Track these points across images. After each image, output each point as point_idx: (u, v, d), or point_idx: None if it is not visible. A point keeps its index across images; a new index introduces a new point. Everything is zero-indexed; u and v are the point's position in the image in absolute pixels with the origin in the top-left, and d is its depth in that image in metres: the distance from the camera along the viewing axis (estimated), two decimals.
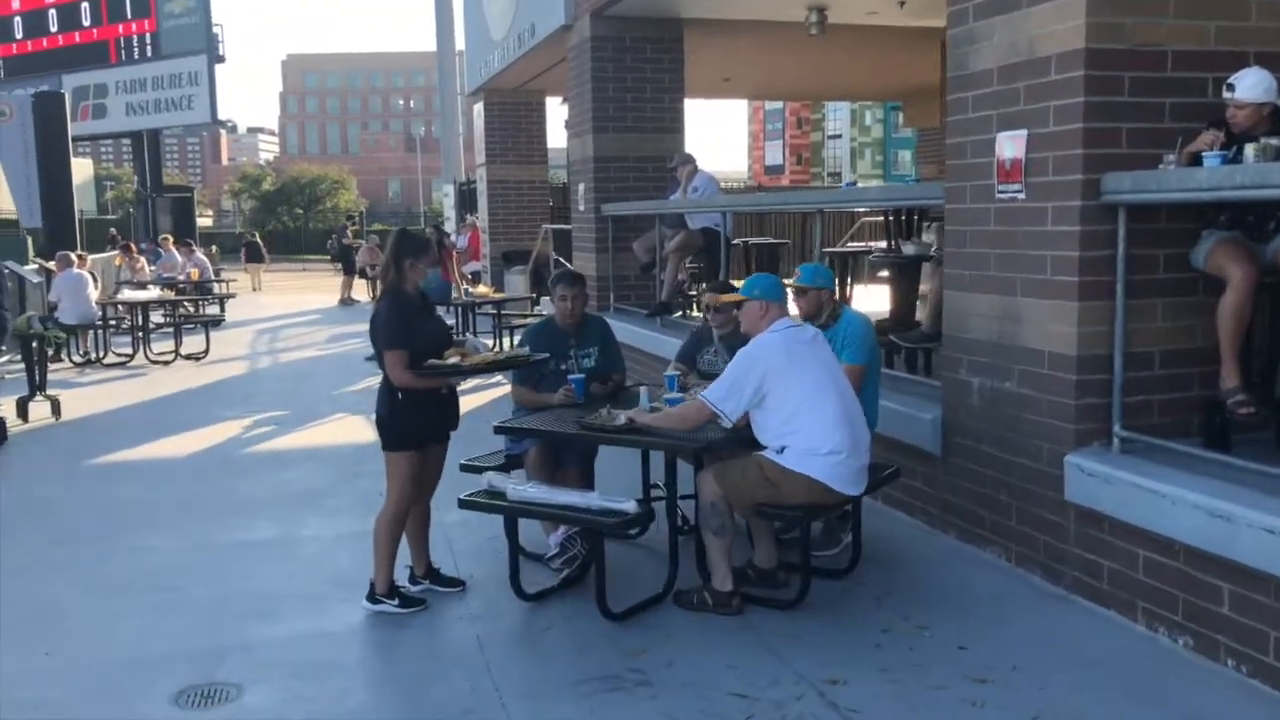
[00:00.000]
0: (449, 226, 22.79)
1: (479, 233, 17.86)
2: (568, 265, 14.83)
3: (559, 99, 18.19)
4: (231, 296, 17.89)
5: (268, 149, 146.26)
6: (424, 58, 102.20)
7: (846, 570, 4.69)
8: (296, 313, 19.01)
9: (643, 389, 4.91)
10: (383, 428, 4.44)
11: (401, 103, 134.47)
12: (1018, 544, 4.77)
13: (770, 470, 4.14)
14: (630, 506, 4.06)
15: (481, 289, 12.25)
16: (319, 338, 15.06)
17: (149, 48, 29.35)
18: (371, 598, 4.48)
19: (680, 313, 10.11)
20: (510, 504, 4.29)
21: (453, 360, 4.37)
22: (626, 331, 9.89)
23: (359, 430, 8.29)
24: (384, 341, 4.36)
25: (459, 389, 4.71)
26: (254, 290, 24.19)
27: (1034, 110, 4.50)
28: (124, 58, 29.67)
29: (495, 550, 5.04)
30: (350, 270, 21.18)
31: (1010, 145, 4.65)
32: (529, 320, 12.00)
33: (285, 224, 64.33)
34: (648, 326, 9.51)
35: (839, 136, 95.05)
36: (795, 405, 4.11)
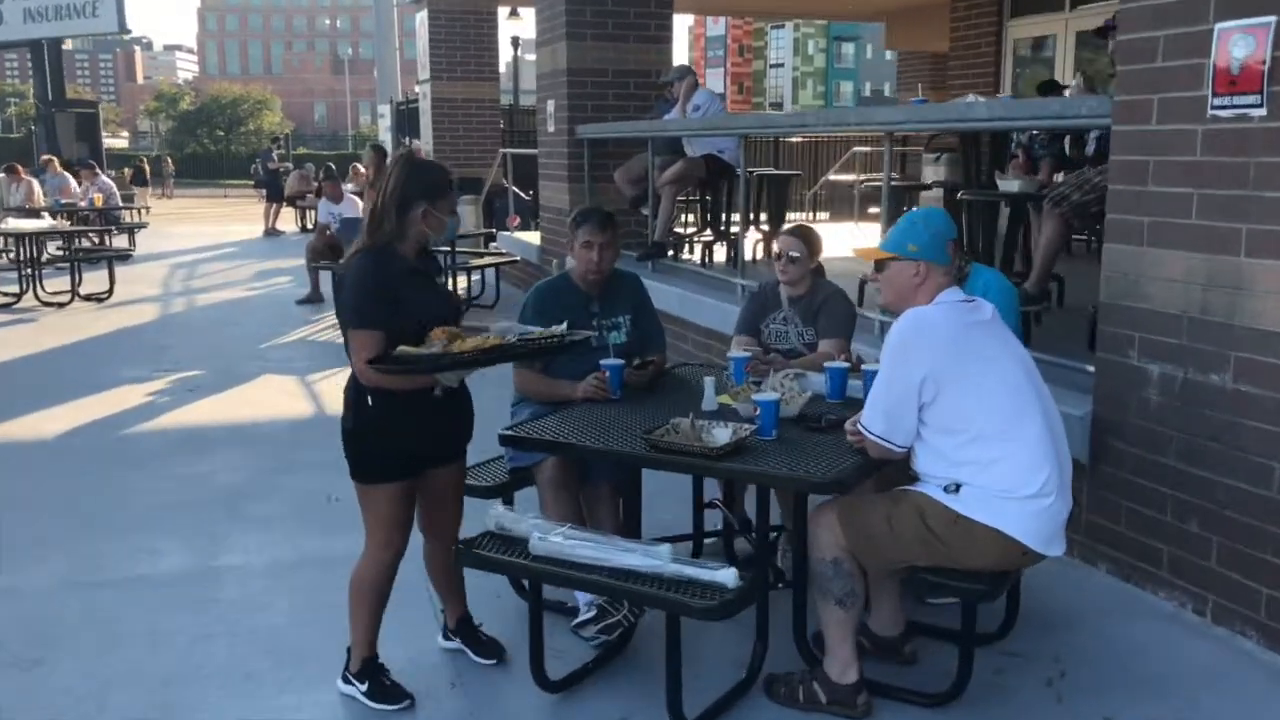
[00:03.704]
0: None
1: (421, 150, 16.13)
2: (522, 195, 13.26)
3: (508, 10, 16.46)
4: (143, 226, 15.99)
5: (186, 68, 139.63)
6: None
7: (997, 635, 3.36)
8: (217, 245, 17.09)
9: (708, 380, 3.49)
10: (348, 446, 2.98)
11: (328, 22, 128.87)
12: (1218, 594, 3.49)
13: (938, 518, 2.77)
14: (728, 577, 2.65)
15: None
16: (243, 275, 13.25)
17: None
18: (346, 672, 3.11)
19: (671, 254, 8.67)
20: (534, 564, 2.86)
21: (436, 346, 2.85)
22: None
23: (292, 398, 6.77)
24: (351, 317, 2.89)
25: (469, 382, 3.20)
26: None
27: None
28: None
29: (502, 599, 3.65)
30: (276, 198, 19.25)
31: (1242, 41, 3.26)
32: (486, 261, 10.45)
33: (205, 147, 60.90)
34: (637, 271, 8.05)
35: (781, 65, 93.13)
36: (980, 420, 2.74)
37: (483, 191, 13.05)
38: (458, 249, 10.42)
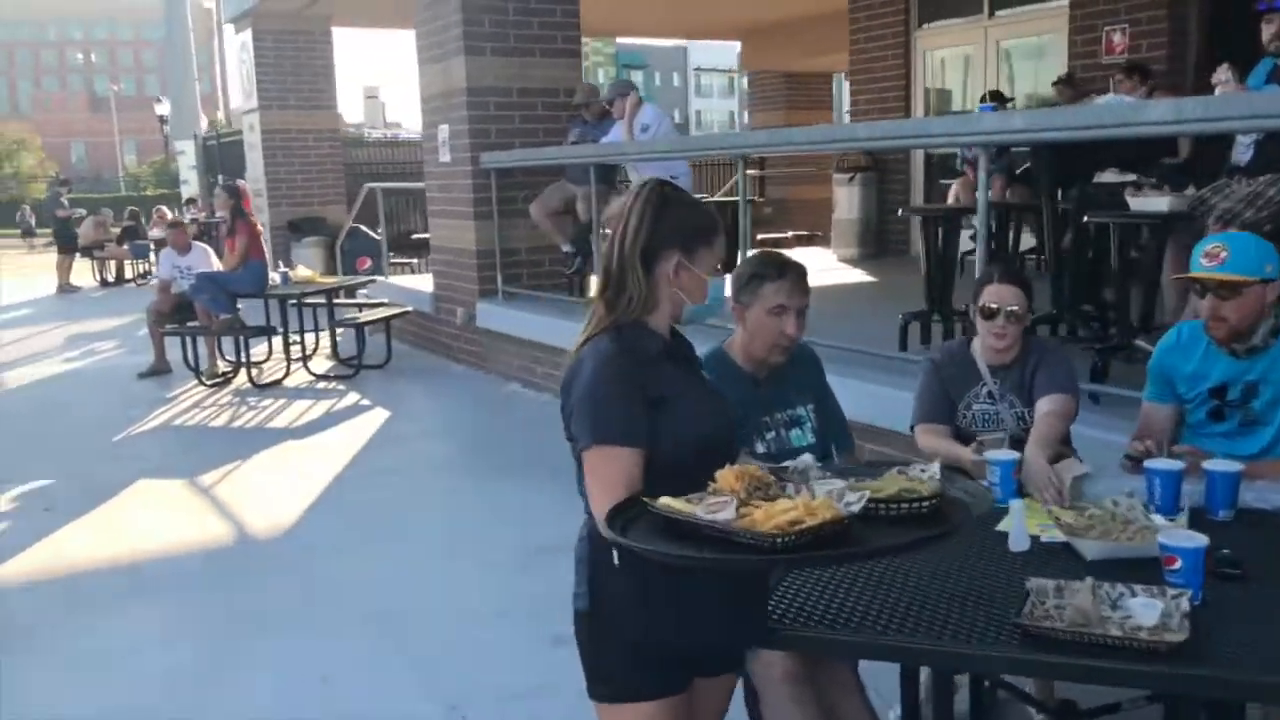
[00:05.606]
0: (189, 191, 18.84)
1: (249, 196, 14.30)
2: (370, 232, 11.78)
3: (342, 29, 14.88)
4: None
5: None
6: (102, 6, 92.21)
7: None
8: (3, 307, 14.62)
9: (1015, 504, 2.34)
10: (581, 638, 1.84)
11: (80, 57, 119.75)
12: None
13: None
14: None
15: (303, 271, 9.06)
16: (52, 342, 11.03)
17: None
18: None
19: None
20: None
21: (728, 503, 1.62)
22: (542, 326, 7.33)
23: (196, 515, 5.18)
24: (588, 428, 1.74)
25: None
26: None
27: None
28: None
29: None
30: (69, 249, 16.83)
31: None
32: (377, 315, 8.93)
33: None
34: (571, 316, 6.88)
35: None
36: None
37: (341, 233, 11.49)
38: (336, 300, 8.93)
